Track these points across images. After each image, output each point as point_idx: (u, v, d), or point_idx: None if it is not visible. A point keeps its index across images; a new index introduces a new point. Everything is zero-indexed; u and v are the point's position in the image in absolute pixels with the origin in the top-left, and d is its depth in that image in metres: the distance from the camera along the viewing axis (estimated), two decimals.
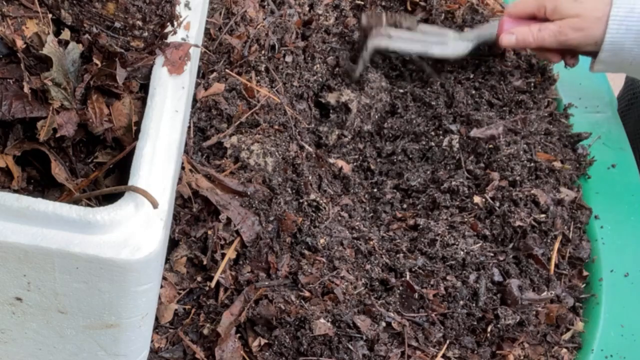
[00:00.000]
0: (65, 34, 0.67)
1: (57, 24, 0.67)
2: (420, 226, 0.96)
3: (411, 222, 0.98)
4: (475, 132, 1.08)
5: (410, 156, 1.08)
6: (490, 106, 1.13)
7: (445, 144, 1.07)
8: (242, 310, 0.81)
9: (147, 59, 0.69)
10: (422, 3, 1.22)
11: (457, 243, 0.93)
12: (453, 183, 1.02)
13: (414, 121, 1.10)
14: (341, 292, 0.84)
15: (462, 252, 0.92)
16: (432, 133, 1.09)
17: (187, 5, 0.74)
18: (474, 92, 1.14)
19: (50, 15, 0.67)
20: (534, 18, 1.08)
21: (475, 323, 0.87)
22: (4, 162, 0.66)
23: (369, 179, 1.07)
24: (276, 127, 0.95)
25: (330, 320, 0.81)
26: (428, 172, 1.07)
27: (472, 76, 1.16)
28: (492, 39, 1.12)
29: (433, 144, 1.08)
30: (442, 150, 1.07)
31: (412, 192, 1.04)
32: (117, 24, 0.68)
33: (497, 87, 1.14)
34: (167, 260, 0.83)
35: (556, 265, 0.96)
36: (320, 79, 1.09)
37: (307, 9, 1.13)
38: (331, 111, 1.07)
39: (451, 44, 1.14)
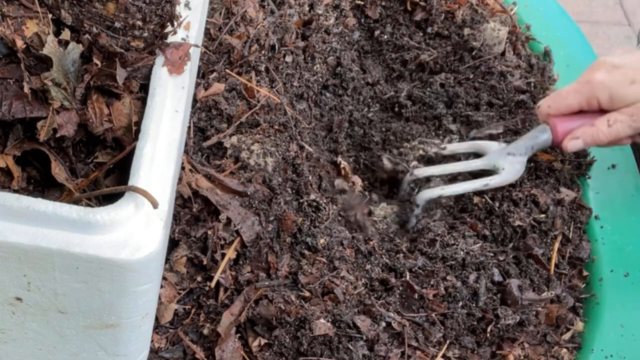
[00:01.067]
0: (65, 34, 0.67)
1: (57, 24, 0.67)
2: (421, 226, 0.96)
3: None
4: (474, 133, 1.08)
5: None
6: (490, 106, 1.13)
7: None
8: (242, 310, 0.81)
9: (147, 59, 0.69)
10: (422, 3, 1.22)
11: (457, 243, 0.93)
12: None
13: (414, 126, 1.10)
14: (341, 292, 0.84)
15: (462, 252, 0.92)
16: (432, 133, 1.09)
17: (187, 5, 0.74)
18: (474, 92, 1.14)
19: (50, 15, 0.67)
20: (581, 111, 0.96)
21: (475, 323, 0.87)
22: (4, 162, 0.66)
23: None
24: (276, 127, 0.95)
25: (330, 320, 0.81)
26: None
27: (472, 76, 1.16)
28: (547, 146, 1.00)
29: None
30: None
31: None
32: (117, 24, 0.68)
33: (497, 87, 1.14)
34: (167, 260, 0.83)
35: (556, 265, 0.96)
36: (321, 79, 1.09)
37: (307, 9, 1.13)
38: None
39: (506, 168, 1.00)
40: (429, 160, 1.06)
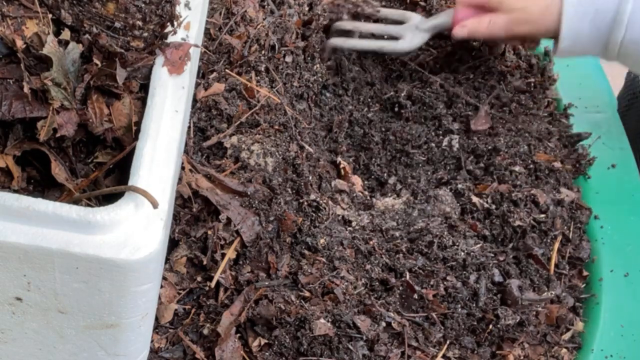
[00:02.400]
0: (65, 34, 0.67)
1: (57, 24, 0.67)
2: (421, 227, 0.96)
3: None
4: (476, 125, 1.08)
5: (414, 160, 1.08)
6: (490, 106, 1.13)
7: (445, 144, 1.07)
8: (242, 310, 0.81)
9: (147, 59, 0.69)
10: (422, 3, 1.22)
11: (457, 243, 0.93)
12: (459, 186, 1.02)
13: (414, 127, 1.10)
14: (341, 292, 0.84)
15: (462, 253, 0.92)
16: (432, 133, 1.09)
17: (187, 5, 0.74)
18: (474, 92, 1.14)
19: (50, 15, 0.67)
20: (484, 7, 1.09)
21: (475, 323, 0.87)
22: (4, 162, 0.66)
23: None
24: (276, 127, 0.95)
25: (330, 320, 0.81)
26: (429, 173, 1.07)
27: (472, 76, 1.16)
28: (448, 27, 1.13)
29: (433, 144, 1.08)
30: (442, 150, 1.07)
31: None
32: (117, 24, 0.68)
33: (497, 87, 1.14)
34: (167, 260, 0.83)
35: (556, 265, 0.96)
36: (320, 79, 1.09)
37: (307, 8, 1.13)
38: None
39: (408, 37, 1.13)
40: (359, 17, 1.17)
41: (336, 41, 1.13)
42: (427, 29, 1.14)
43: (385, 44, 1.14)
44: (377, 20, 1.18)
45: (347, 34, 1.15)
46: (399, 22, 1.16)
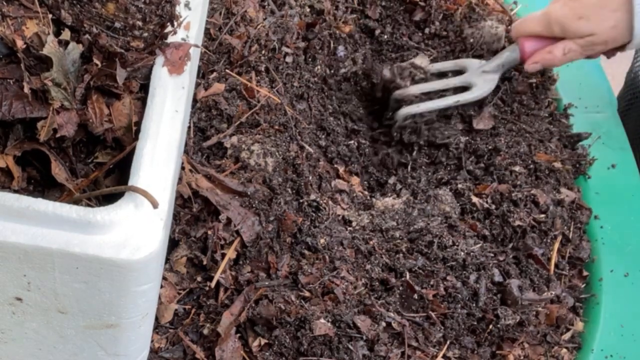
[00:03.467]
0: (65, 34, 0.67)
1: (57, 24, 0.67)
2: (421, 226, 0.96)
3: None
4: (478, 124, 1.08)
5: (418, 161, 1.08)
6: (492, 118, 1.13)
7: (454, 145, 1.07)
8: (242, 310, 0.81)
9: (147, 59, 0.69)
10: (422, 3, 1.22)
11: (457, 243, 0.93)
12: (459, 186, 1.02)
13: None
14: (341, 292, 0.84)
15: (462, 253, 0.92)
16: (446, 132, 1.09)
17: (187, 5, 0.74)
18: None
19: (50, 16, 0.67)
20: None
21: (475, 323, 0.87)
22: (4, 162, 0.66)
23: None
24: (276, 127, 0.95)
25: (330, 320, 0.81)
26: (429, 173, 1.07)
27: None
28: (516, 64, 1.11)
29: (440, 142, 1.08)
30: (448, 150, 1.08)
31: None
32: (117, 24, 0.68)
33: (498, 88, 1.14)
34: (167, 260, 0.83)
35: (556, 266, 0.96)
36: (321, 80, 1.09)
37: (308, 10, 1.13)
38: None
39: (479, 84, 1.10)
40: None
41: (409, 109, 1.10)
42: (494, 69, 1.11)
43: (460, 97, 1.10)
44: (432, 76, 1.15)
45: (410, 100, 1.12)
46: (458, 72, 1.14)
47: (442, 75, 1.15)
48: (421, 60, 1.13)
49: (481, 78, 1.11)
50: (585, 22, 1.01)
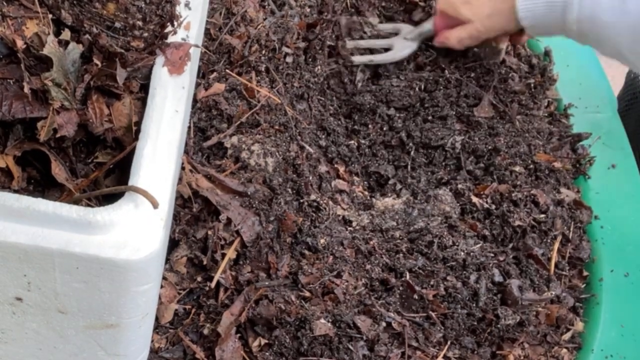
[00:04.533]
0: (66, 34, 0.67)
1: (57, 24, 0.67)
2: (421, 227, 0.96)
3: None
4: (479, 112, 1.08)
5: (417, 161, 1.08)
6: (492, 107, 1.13)
7: (449, 145, 1.07)
8: (242, 310, 0.81)
9: (147, 59, 0.69)
10: (422, 3, 1.22)
11: (457, 243, 0.93)
12: (459, 186, 1.02)
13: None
14: (341, 292, 0.84)
15: (462, 253, 0.92)
16: (439, 133, 1.09)
17: (187, 5, 0.74)
18: (474, 93, 1.14)
19: (50, 16, 0.67)
20: None
21: (475, 323, 0.87)
22: (4, 162, 0.66)
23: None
24: (277, 127, 0.95)
25: (330, 320, 0.81)
26: (429, 173, 1.07)
27: (472, 74, 1.16)
28: (431, 34, 1.17)
29: (435, 144, 1.08)
30: (445, 150, 1.07)
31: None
32: (117, 24, 0.68)
33: (497, 88, 1.14)
34: (167, 260, 0.83)
35: (556, 266, 0.96)
36: (321, 80, 1.09)
37: (308, 10, 1.13)
38: None
39: (397, 47, 1.18)
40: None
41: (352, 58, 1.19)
42: (414, 37, 1.19)
43: (374, 56, 1.18)
44: (377, 36, 1.24)
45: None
46: (395, 34, 1.21)
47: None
48: (372, 19, 1.22)
49: (401, 43, 1.19)
50: (469, 7, 1.08)
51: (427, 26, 1.18)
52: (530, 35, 1.13)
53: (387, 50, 1.19)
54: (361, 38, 1.21)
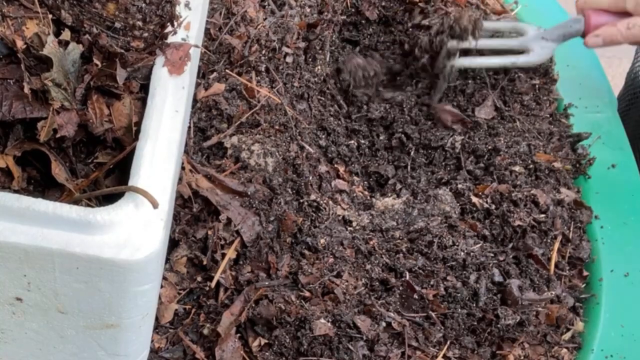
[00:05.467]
0: (66, 35, 0.67)
1: (57, 24, 0.67)
2: (421, 226, 0.96)
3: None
4: (480, 113, 1.08)
5: (417, 161, 1.08)
6: (494, 108, 1.13)
7: (448, 145, 1.07)
8: (242, 310, 0.81)
9: (147, 59, 0.69)
10: (421, 4, 1.21)
11: (457, 243, 0.93)
12: (459, 186, 1.02)
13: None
14: (341, 292, 0.84)
15: (462, 253, 0.92)
16: (438, 134, 1.09)
17: (187, 5, 0.74)
18: (476, 93, 1.14)
19: (50, 16, 0.67)
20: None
21: (475, 323, 0.87)
22: (4, 163, 0.66)
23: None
24: (277, 127, 0.95)
25: (330, 320, 0.81)
26: (429, 173, 1.07)
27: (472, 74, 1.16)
28: (578, 35, 1.09)
29: (435, 145, 1.08)
30: (444, 150, 1.07)
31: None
32: (117, 25, 0.68)
33: (505, 89, 1.14)
34: (167, 260, 0.83)
35: (556, 266, 0.96)
36: (321, 80, 1.09)
37: (308, 10, 1.13)
38: None
39: (537, 50, 1.10)
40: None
41: (463, 61, 1.10)
42: (555, 38, 1.10)
43: (517, 59, 1.10)
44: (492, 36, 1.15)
45: (465, 52, 1.12)
46: (515, 34, 1.13)
47: (495, 35, 1.15)
48: (474, 21, 1.11)
49: (539, 44, 1.10)
50: None
51: (575, 26, 1.07)
52: None
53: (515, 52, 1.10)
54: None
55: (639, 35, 1.02)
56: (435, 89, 1.10)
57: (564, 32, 1.09)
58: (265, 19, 1.04)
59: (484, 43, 1.11)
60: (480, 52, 1.12)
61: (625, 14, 1.03)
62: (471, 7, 1.22)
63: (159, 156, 0.64)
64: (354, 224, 0.95)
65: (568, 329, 0.92)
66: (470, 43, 1.09)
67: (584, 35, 1.07)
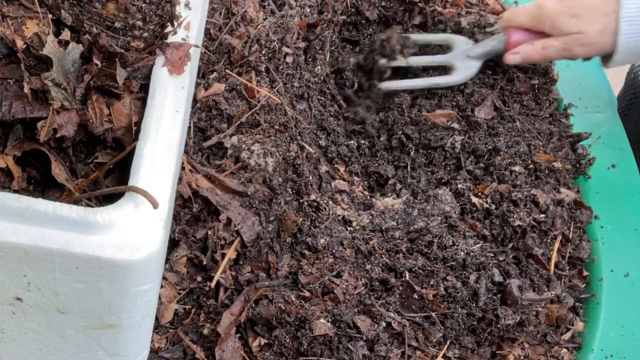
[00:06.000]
0: (66, 34, 0.67)
1: (57, 24, 0.67)
2: (421, 226, 0.96)
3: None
4: (479, 113, 1.08)
5: (417, 161, 1.08)
6: (495, 109, 1.13)
7: (448, 145, 1.07)
8: (242, 310, 0.81)
9: (147, 59, 0.69)
10: (420, 4, 1.21)
11: (457, 243, 0.93)
12: (459, 186, 1.02)
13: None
14: (341, 292, 0.84)
15: (462, 253, 0.92)
16: (438, 134, 1.09)
17: (187, 5, 0.74)
18: (475, 93, 1.14)
19: (50, 16, 0.67)
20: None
21: (475, 323, 0.87)
22: (4, 163, 0.66)
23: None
24: (277, 127, 0.95)
25: (330, 320, 0.81)
26: (429, 173, 1.07)
27: (481, 75, 1.16)
28: (499, 53, 1.11)
29: (435, 145, 1.08)
30: (444, 150, 1.07)
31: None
32: (117, 24, 0.68)
33: (504, 89, 1.14)
34: (167, 260, 0.83)
35: (556, 266, 0.96)
36: (321, 80, 1.09)
37: (308, 10, 1.13)
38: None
39: (460, 69, 1.11)
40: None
41: (389, 85, 1.13)
42: (478, 56, 1.12)
43: (439, 80, 1.12)
44: (421, 49, 1.17)
45: (392, 73, 1.14)
46: (444, 47, 1.15)
47: (425, 47, 1.17)
48: (405, 40, 1.14)
49: (463, 63, 1.12)
50: (577, 20, 1.02)
51: (495, 44, 1.11)
52: (604, 67, 1.08)
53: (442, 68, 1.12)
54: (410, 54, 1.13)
55: (553, 55, 1.08)
56: (368, 110, 1.13)
57: (486, 50, 1.12)
58: (265, 19, 1.04)
59: (413, 60, 1.14)
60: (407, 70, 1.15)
61: (543, 34, 1.07)
62: (471, 7, 1.22)
63: (159, 156, 0.64)
64: (354, 224, 0.95)
65: (568, 329, 0.92)
66: (399, 61, 1.13)
67: (504, 51, 1.10)
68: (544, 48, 1.06)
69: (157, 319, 0.82)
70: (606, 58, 1.06)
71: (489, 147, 1.06)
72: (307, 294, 0.83)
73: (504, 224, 0.97)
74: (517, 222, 0.96)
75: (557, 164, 1.06)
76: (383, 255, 0.91)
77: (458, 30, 1.19)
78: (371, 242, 0.92)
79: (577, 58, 1.08)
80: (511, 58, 1.09)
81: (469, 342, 0.86)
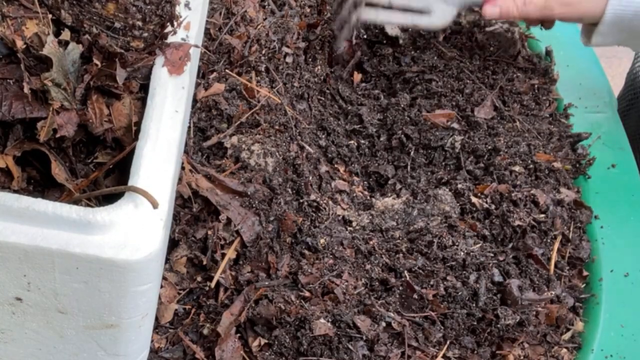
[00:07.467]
0: (65, 35, 0.67)
1: (57, 24, 0.68)
2: (421, 226, 0.96)
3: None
4: (479, 112, 1.08)
5: (417, 161, 1.08)
6: (494, 108, 1.13)
7: (448, 145, 1.07)
8: (242, 310, 0.81)
9: (147, 59, 0.69)
10: None
11: (457, 243, 0.93)
12: (459, 186, 1.02)
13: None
14: (341, 292, 0.84)
15: (462, 253, 0.92)
16: (437, 134, 1.09)
17: (187, 5, 0.74)
18: (475, 93, 1.14)
19: (50, 16, 0.67)
20: None
21: (475, 323, 0.87)
22: (4, 163, 0.66)
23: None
24: (277, 127, 0.95)
25: (330, 320, 0.81)
26: (429, 173, 1.07)
27: (480, 75, 1.16)
28: (478, 4, 1.10)
29: (435, 145, 1.08)
30: (444, 150, 1.07)
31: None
32: (117, 24, 0.68)
33: (503, 89, 1.14)
34: (167, 260, 0.83)
35: (556, 266, 0.96)
36: (321, 80, 1.09)
37: (308, 10, 1.13)
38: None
39: (439, 12, 1.09)
40: None
41: (368, 14, 1.09)
42: (457, 3, 1.09)
43: (419, 19, 1.09)
44: None
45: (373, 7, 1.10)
46: None
47: None
48: None
49: (440, 7, 1.09)
50: None
51: None
52: (586, 44, 1.06)
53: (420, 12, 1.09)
54: None
55: (532, 13, 1.04)
56: (339, 37, 1.11)
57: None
58: (265, 19, 1.04)
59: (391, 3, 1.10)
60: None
61: None
62: None
63: (159, 156, 0.64)
64: (354, 224, 0.95)
65: (568, 329, 0.92)
66: None
67: (482, 4, 1.07)
68: (525, 4, 1.03)
69: (157, 319, 0.82)
70: (589, 32, 1.04)
71: (489, 147, 1.06)
72: (307, 294, 0.83)
73: (504, 224, 0.97)
74: (517, 222, 0.96)
75: (557, 164, 1.06)
76: (383, 255, 0.91)
77: None
78: (371, 242, 0.92)
79: (555, 18, 1.05)
80: (490, 11, 1.06)
81: (469, 342, 0.86)
